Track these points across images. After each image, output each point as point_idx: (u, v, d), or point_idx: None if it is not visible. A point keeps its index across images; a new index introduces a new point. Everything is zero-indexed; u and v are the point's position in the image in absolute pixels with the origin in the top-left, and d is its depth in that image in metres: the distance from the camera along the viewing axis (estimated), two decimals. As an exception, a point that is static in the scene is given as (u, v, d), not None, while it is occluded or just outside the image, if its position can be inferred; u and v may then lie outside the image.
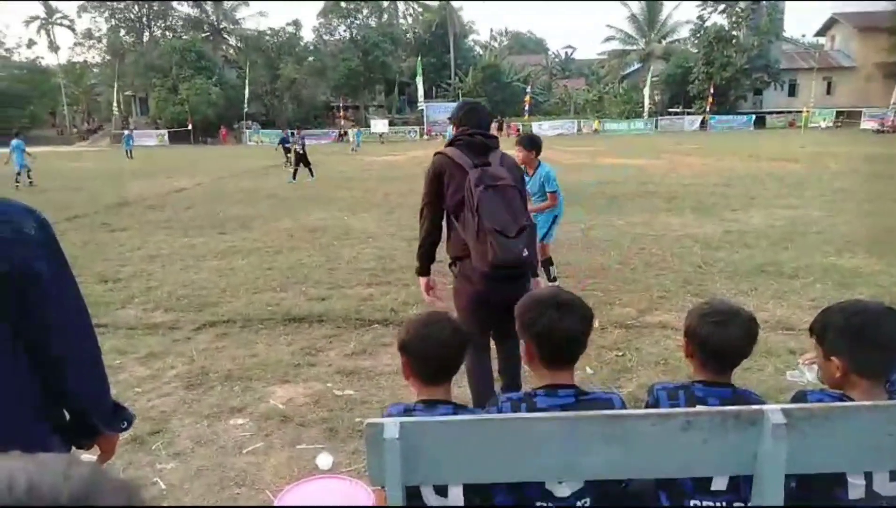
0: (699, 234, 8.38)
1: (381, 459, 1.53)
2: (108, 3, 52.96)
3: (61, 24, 56.28)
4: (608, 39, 57.85)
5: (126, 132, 30.54)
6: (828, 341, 1.65)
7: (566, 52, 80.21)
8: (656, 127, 46.90)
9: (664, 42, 55.09)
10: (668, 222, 9.34)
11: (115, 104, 49.16)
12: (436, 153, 3.24)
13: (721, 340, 1.69)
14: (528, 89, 50.23)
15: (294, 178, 17.72)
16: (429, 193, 3.16)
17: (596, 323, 5.02)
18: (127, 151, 28.90)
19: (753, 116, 47.16)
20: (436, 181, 3.12)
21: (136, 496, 0.51)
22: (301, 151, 18.19)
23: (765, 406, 1.55)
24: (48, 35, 55.93)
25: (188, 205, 12.82)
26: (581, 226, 9.07)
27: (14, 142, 17.04)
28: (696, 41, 50.83)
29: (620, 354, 4.35)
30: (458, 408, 1.82)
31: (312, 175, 17.95)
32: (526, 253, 2.95)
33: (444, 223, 3.19)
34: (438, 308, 3.45)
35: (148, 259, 7.72)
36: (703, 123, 46.50)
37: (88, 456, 1.67)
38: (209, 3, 55.93)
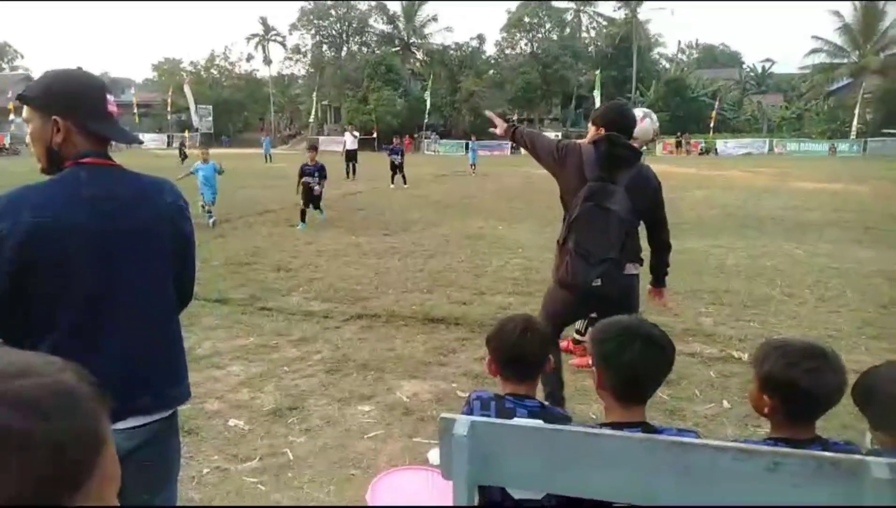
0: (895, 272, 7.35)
1: (450, 454, 1.59)
2: (316, 21, 58.50)
3: (274, 41, 63.15)
4: (813, 52, 52.20)
5: (264, 138, 35.36)
6: None
7: (763, 66, 73.88)
8: (864, 149, 41.63)
9: (882, 55, 48.73)
10: (858, 256, 8.29)
11: (312, 112, 54.26)
12: (574, 138, 3.30)
13: (814, 386, 1.52)
14: (716, 105, 47.19)
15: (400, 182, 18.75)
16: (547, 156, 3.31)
17: (745, 355, 4.64)
18: (266, 156, 32.30)
19: None
20: (558, 152, 3.22)
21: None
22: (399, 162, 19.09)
23: (868, 458, 1.38)
24: (264, 50, 62.98)
25: (360, 207, 13.79)
26: (748, 252, 8.41)
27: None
28: (925, 53, 44.36)
29: (766, 392, 3.98)
30: (545, 406, 1.84)
31: (403, 183, 18.69)
32: (599, 283, 2.93)
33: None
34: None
35: (316, 253, 8.44)
36: (926, 146, 40.40)
37: None
38: (402, 20, 59.56)
